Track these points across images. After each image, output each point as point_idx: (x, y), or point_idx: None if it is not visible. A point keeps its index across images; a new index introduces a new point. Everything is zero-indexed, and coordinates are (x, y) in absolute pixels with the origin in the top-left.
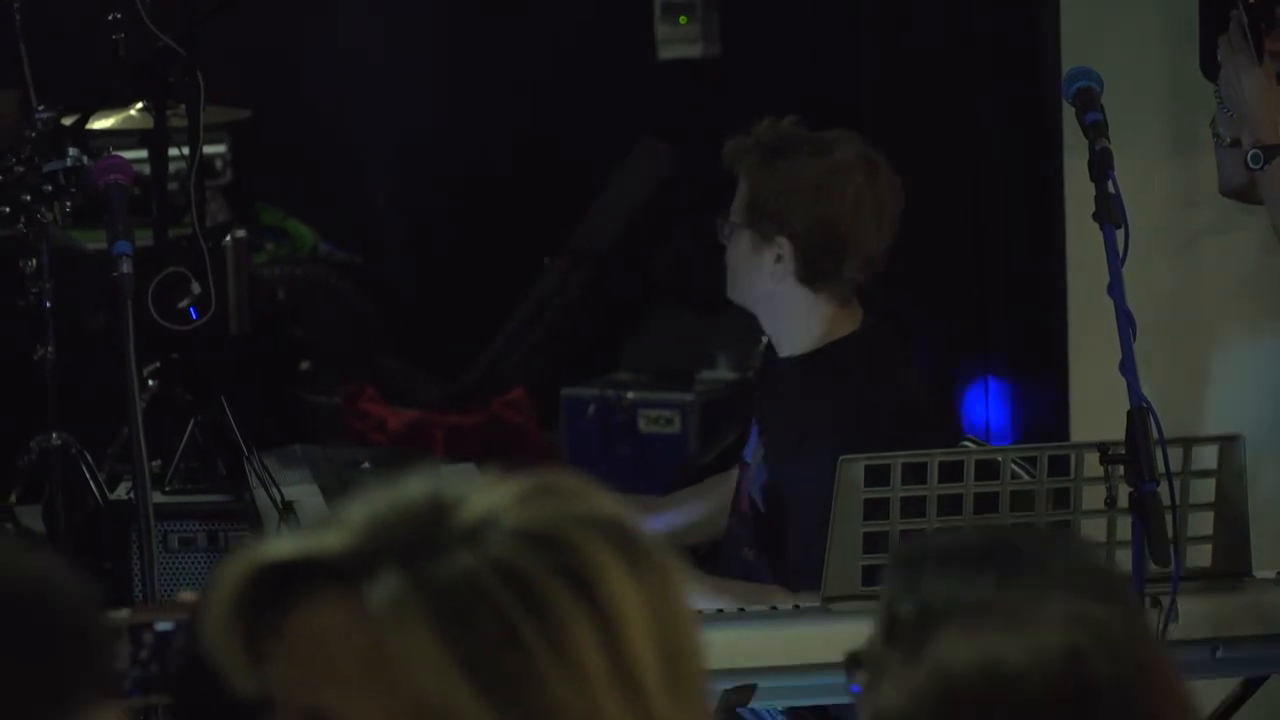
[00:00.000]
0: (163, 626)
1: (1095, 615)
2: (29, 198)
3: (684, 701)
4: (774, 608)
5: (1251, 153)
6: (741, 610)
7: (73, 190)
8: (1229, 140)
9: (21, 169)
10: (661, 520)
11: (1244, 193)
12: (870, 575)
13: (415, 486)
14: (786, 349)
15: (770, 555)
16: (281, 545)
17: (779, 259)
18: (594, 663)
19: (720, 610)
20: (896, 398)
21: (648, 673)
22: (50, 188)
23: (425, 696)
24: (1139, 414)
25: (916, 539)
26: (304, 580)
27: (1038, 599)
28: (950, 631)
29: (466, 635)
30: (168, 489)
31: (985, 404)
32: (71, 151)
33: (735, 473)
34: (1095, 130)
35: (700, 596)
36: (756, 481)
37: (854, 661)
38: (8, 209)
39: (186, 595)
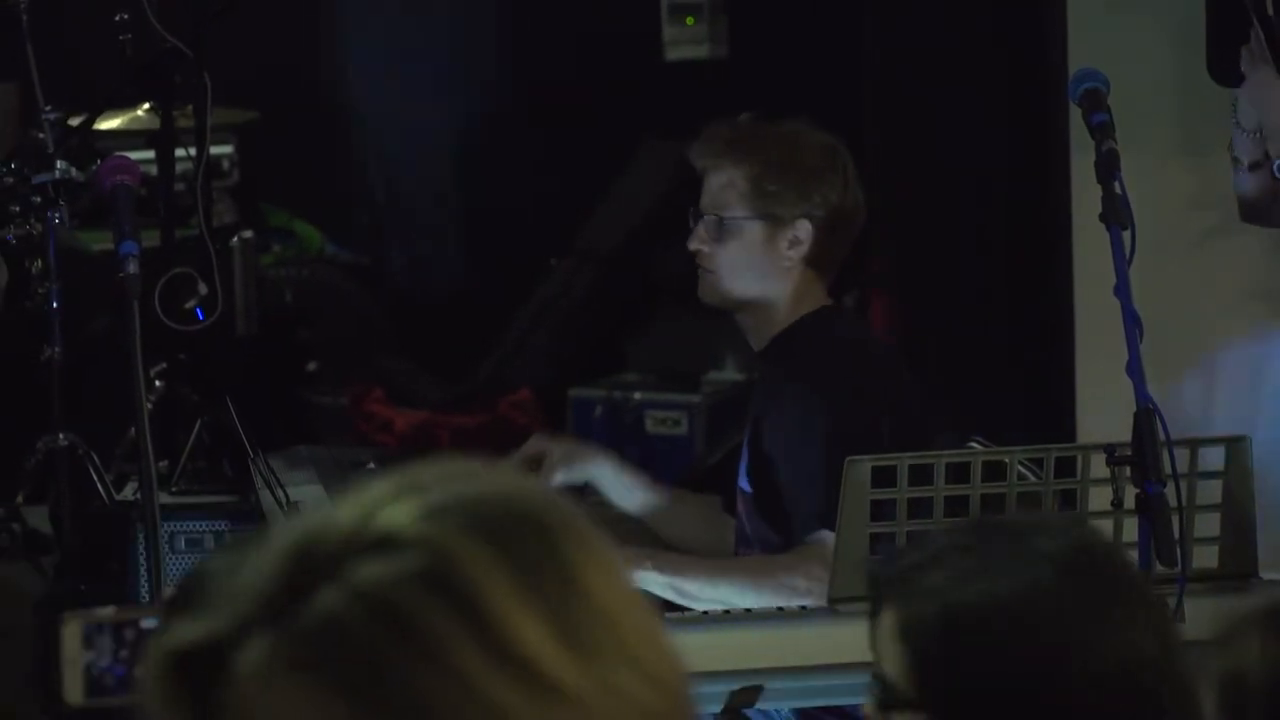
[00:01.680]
0: (148, 624)
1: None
2: (18, 209)
3: (602, 662)
4: (780, 608)
5: (1277, 163)
6: (748, 611)
7: (62, 202)
8: (1248, 163)
9: (10, 180)
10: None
11: (1268, 215)
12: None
13: (282, 533)
14: (765, 338)
15: (766, 530)
16: (182, 631)
17: (793, 244)
18: (473, 662)
19: (727, 611)
20: (871, 359)
21: (545, 659)
22: (39, 199)
23: None
24: (1145, 415)
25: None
26: (207, 662)
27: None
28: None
29: (335, 678)
30: (174, 490)
31: (992, 404)
32: (60, 164)
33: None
34: (1102, 131)
35: (706, 581)
36: (741, 471)
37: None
38: None
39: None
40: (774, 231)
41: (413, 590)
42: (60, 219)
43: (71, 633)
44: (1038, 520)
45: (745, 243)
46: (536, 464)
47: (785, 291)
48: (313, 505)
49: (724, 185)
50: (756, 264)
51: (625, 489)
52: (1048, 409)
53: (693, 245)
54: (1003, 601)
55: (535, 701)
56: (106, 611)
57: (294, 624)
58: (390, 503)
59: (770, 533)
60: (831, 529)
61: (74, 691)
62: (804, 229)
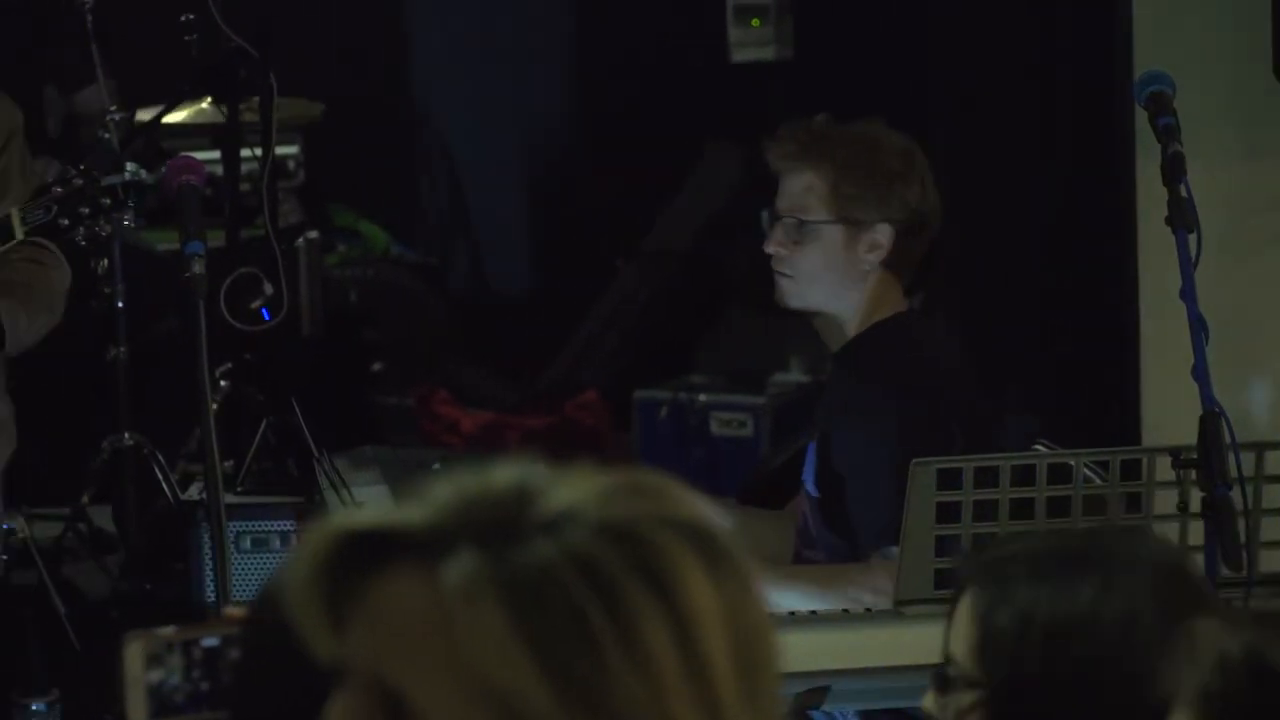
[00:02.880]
0: (209, 642)
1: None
2: (87, 210)
3: (755, 704)
4: (846, 610)
5: None
6: (814, 613)
7: (131, 205)
8: None
9: (80, 182)
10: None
11: None
12: (943, 578)
13: (503, 473)
14: (841, 339)
15: (832, 536)
16: (366, 515)
17: (872, 248)
18: (665, 659)
19: (793, 613)
20: (944, 369)
21: (719, 672)
22: (108, 201)
23: (490, 677)
24: (1211, 418)
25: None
26: (384, 551)
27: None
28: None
29: (537, 621)
30: (239, 490)
31: (1057, 407)
32: (129, 166)
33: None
34: (1168, 134)
35: (774, 586)
36: (809, 475)
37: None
38: (65, 222)
39: (234, 609)
40: (854, 235)
41: (618, 564)
42: (128, 220)
43: (134, 653)
44: (1135, 539)
45: (825, 247)
46: None
47: (862, 296)
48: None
49: (803, 188)
50: (836, 268)
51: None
52: (1113, 412)
53: (770, 248)
54: (1084, 615)
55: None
56: (167, 631)
57: (511, 557)
58: (615, 495)
59: (836, 539)
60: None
61: (138, 712)
62: (884, 233)
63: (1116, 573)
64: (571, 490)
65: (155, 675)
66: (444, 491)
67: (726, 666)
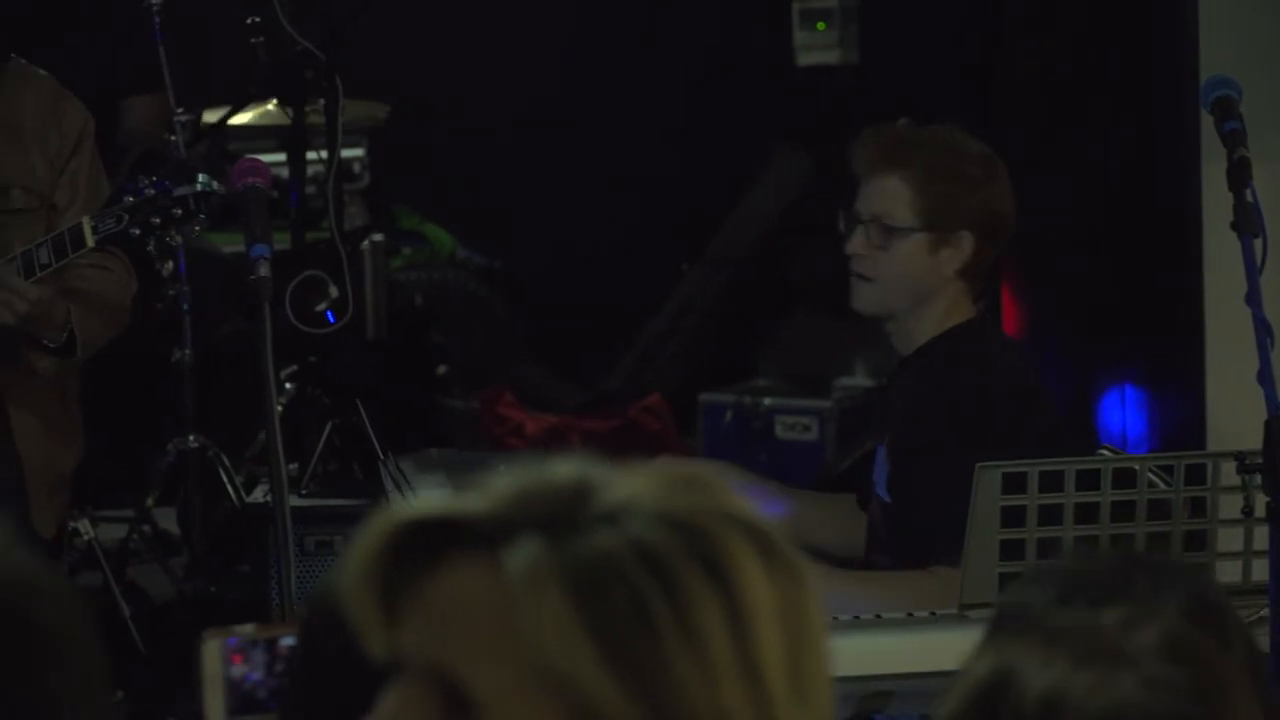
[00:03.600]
0: (288, 641)
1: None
2: (158, 220)
3: (806, 702)
4: (910, 614)
5: None
6: (878, 617)
7: (202, 215)
8: None
9: (152, 191)
10: (787, 508)
11: None
12: (1008, 583)
13: (562, 467)
14: (912, 345)
15: (904, 542)
16: (426, 504)
17: (953, 255)
18: (721, 648)
19: (857, 616)
20: (1013, 379)
21: (772, 667)
22: (179, 211)
23: (552, 664)
24: (1276, 423)
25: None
26: (445, 541)
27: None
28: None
29: (598, 609)
30: (304, 492)
31: (1122, 412)
32: (201, 177)
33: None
34: (1233, 139)
35: (838, 591)
36: (880, 481)
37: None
38: (137, 231)
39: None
40: (937, 242)
41: (679, 555)
42: (198, 229)
43: (211, 650)
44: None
45: (908, 252)
46: None
47: (938, 302)
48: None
49: (888, 192)
50: (917, 275)
51: (758, 495)
52: (1178, 416)
53: (852, 249)
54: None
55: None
56: (247, 629)
57: (572, 545)
58: (674, 488)
59: (906, 543)
60: None
61: (215, 708)
62: (966, 240)
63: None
64: (629, 484)
65: (236, 671)
66: (504, 483)
67: (778, 660)
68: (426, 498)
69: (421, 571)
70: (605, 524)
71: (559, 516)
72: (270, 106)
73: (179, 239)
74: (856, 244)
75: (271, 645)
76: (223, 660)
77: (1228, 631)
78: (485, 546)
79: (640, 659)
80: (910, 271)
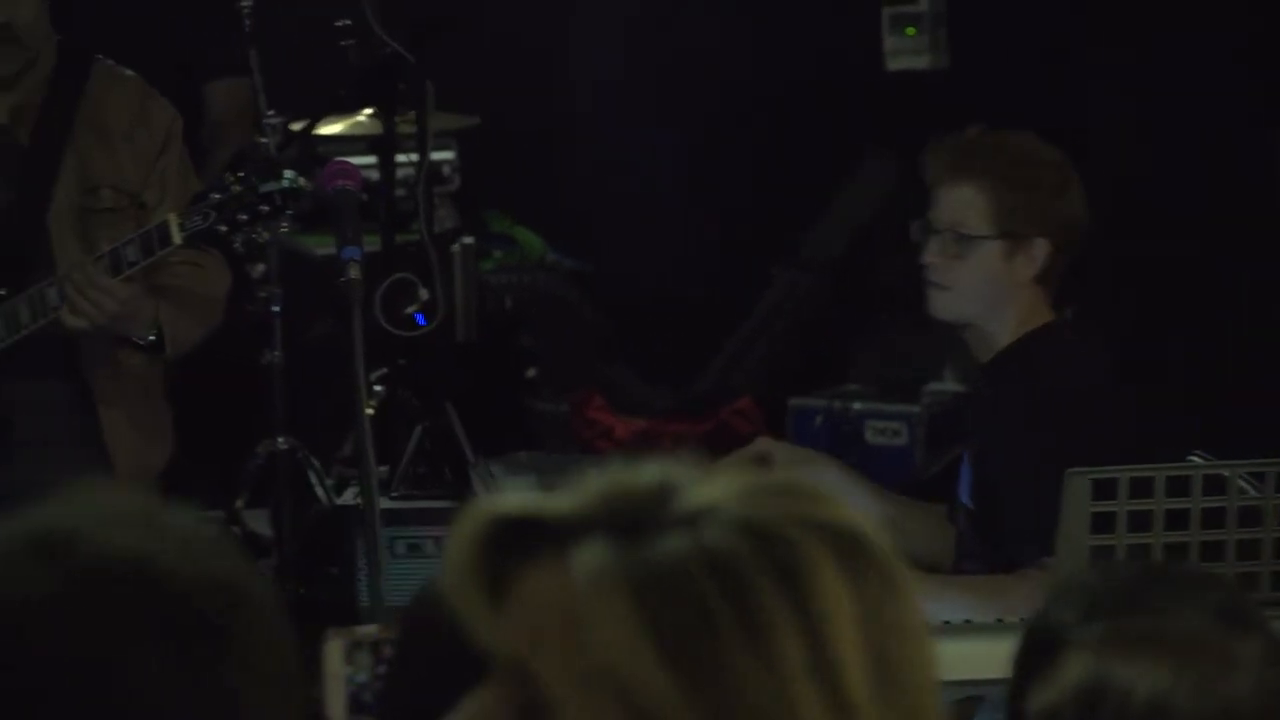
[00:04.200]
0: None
1: None
2: (245, 217)
3: (895, 706)
4: (1000, 620)
5: None
6: (968, 622)
7: (288, 212)
8: None
9: (239, 188)
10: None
11: None
12: None
13: (650, 468)
14: (990, 351)
15: (989, 548)
16: (513, 500)
17: (1028, 262)
18: (790, 655)
19: (947, 622)
20: (1094, 379)
21: (851, 673)
22: (266, 208)
23: (615, 666)
24: None
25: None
26: (532, 539)
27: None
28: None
29: (663, 614)
30: (394, 494)
31: (1214, 418)
32: (287, 174)
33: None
34: None
35: (929, 596)
36: (965, 489)
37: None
38: (223, 228)
39: None
40: (1012, 250)
41: (752, 563)
42: (285, 227)
43: (334, 650)
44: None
45: (983, 261)
46: (761, 465)
47: (1015, 308)
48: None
49: (961, 201)
50: (993, 282)
51: (852, 497)
52: (1270, 423)
53: (927, 259)
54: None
55: (828, 709)
56: (369, 630)
57: (643, 550)
58: (758, 494)
59: (993, 550)
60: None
61: (337, 707)
62: (1041, 247)
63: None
64: (714, 487)
65: (350, 672)
66: (590, 483)
67: (859, 668)
68: (518, 493)
69: (516, 566)
70: (680, 529)
71: (636, 518)
72: (362, 117)
73: (266, 236)
74: (932, 253)
75: (376, 648)
76: (344, 659)
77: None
78: (561, 547)
79: (704, 666)
80: (985, 279)
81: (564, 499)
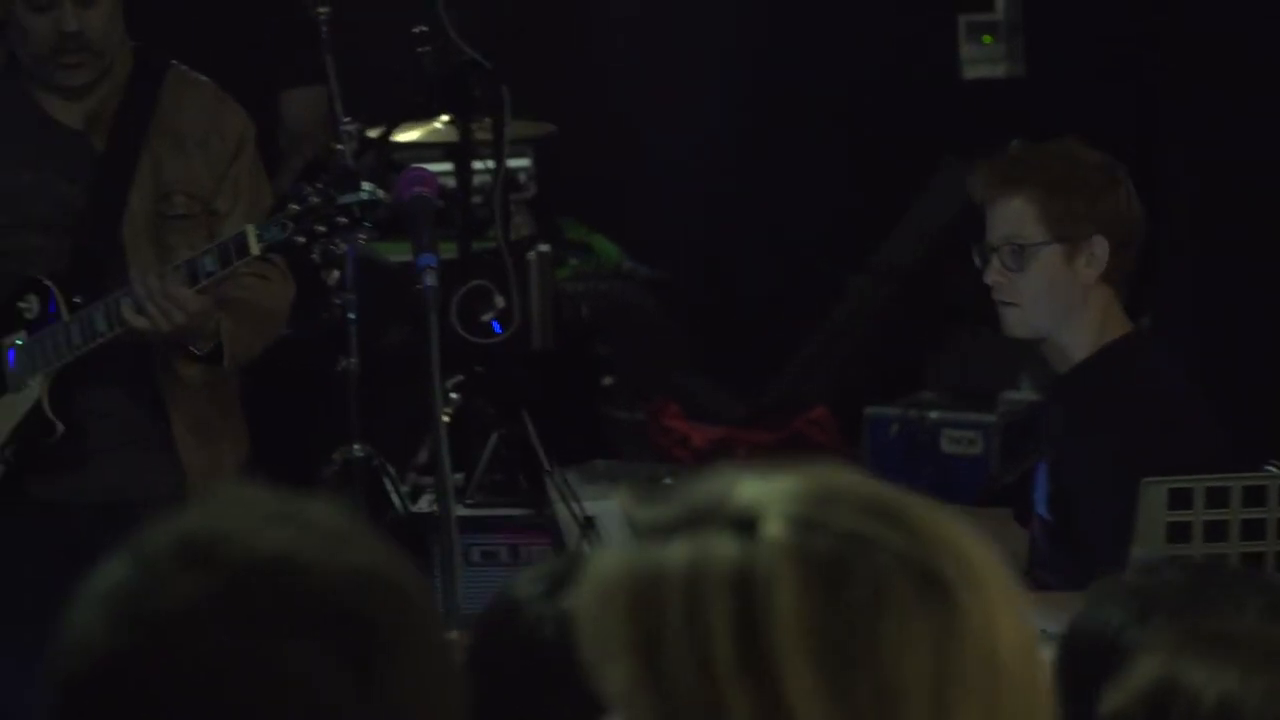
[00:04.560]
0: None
1: None
2: (324, 229)
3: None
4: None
5: None
6: (1044, 632)
7: (367, 224)
8: None
9: (317, 199)
10: None
11: None
12: None
13: (732, 476)
14: (1069, 362)
15: (1066, 560)
16: (649, 511)
17: (1089, 262)
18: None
19: None
20: (1172, 389)
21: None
22: (345, 220)
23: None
24: None
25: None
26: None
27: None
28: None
29: (637, 623)
30: (469, 502)
31: None
32: (366, 186)
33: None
34: None
35: None
36: (1041, 499)
37: None
38: (302, 239)
39: None
40: (1071, 251)
41: (719, 585)
42: (363, 238)
43: None
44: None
45: (1045, 267)
46: None
47: (1088, 316)
48: (611, 521)
49: (1013, 214)
50: (1058, 288)
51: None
52: None
53: (990, 279)
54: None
55: None
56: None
57: (638, 559)
58: (764, 483)
59: (1070, 563)
60: None
61: None
62: (1100, 245)
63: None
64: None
65: None
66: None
67: (923, 696)
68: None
69: None
70: (689, 537)
71: (672, 526)
72: (438, 125)
73: (344, 247)
74: (994, 272)
75: None
76: None
77: None
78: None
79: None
80: (1050, 286)
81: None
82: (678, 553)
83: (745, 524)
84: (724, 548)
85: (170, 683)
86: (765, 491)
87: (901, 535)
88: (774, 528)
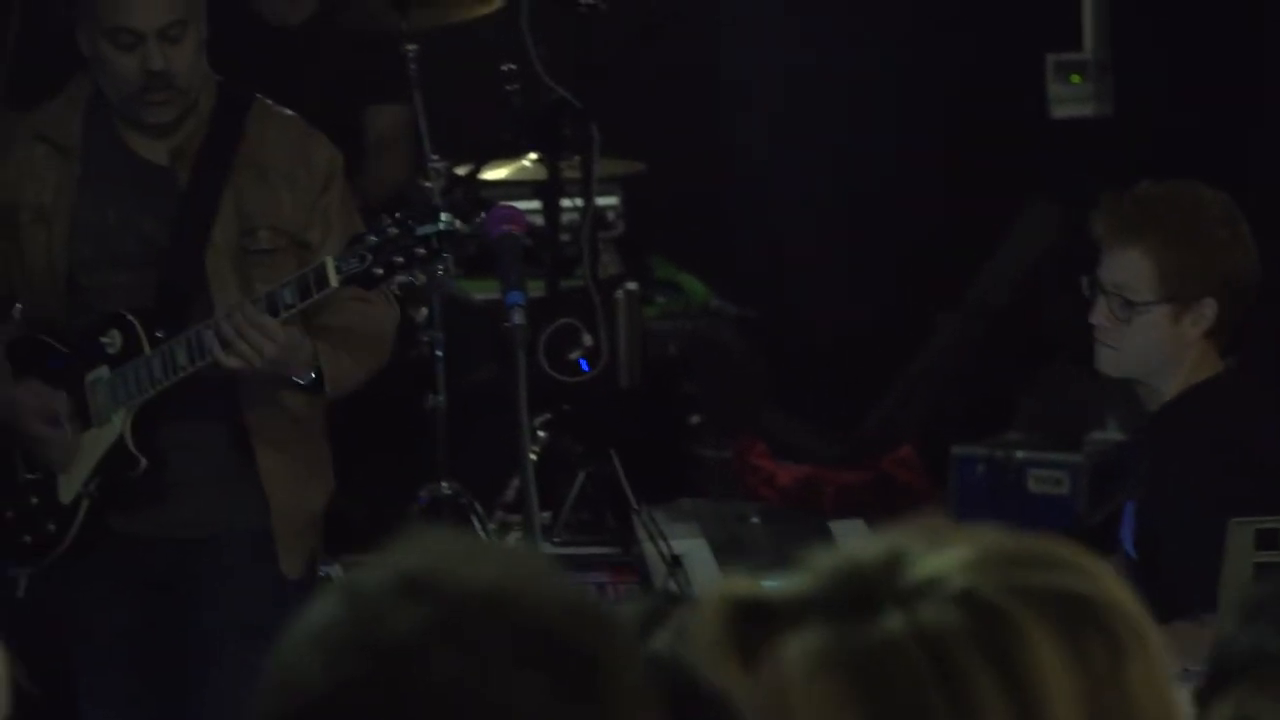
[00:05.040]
0: None
1: None
2: (401, 260)
3: None
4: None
5: None
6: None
7: (445, 255)
8: None
9: (395, 231)
10: None
11: None
12: None
13: (881, 541)
14: (1160, 401)
15: (1152, 600)
16: (747, 583)
17: (1196, 321)
18: None
19: None
20: (1262, 429)
21: None
22: (423, 251)
23: None
24: None
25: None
26: (765, 621)
27: None
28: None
29: (876, 697)
30: (556, 540)
31: None
32: (444, 216)
33: None
34: None
35: None
36: (1128, 538)
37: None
38: (380, 271)
39: None
40: (1180, 311)
41: (966, 643)
42: (445, 270)
43: None
44: None
45: (1152, 325)
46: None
47: (1183, 363)
48: (698, 560)
49: (1128, 266)
50: (1161, 344)
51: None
52: None
53: (1095, 319)
54: None
55: None
56: None
57: (858, 632)
58: (986, 565)
59: (1154, 602)
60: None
61: None
62: (1210, 306)
63: None
64: (943, 557)
65: None
66: (824, 559)
67: None
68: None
69: (753, 650)
70: (900, 607)
71: (857, 598)
72: (526, 163)
73: (422, 279)
74: (1100, 314)
75: None
76: None
77: None
78: (782, 630)
79: None
80: (1153, 342)
81: (795, 579)
82: (897, 623)
83: (946, 590)
84: (945, 612)
85: (399, 711)
86: (943, 555)
87: (1088, 583)
88: (988, 588)
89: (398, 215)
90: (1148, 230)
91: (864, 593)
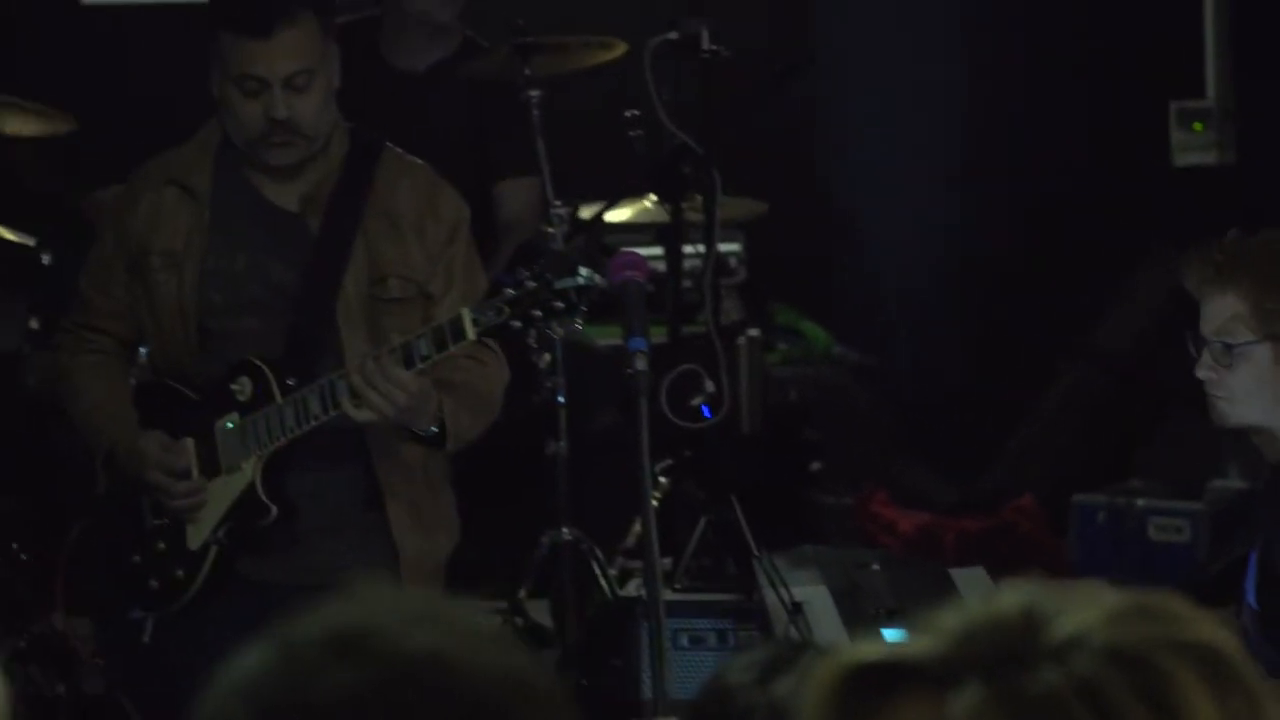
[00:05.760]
0: None
1: None
2: (539, 313)
3: None
4: None
5: None
6: None
7: (583, 309)
8: None
9: (533, 284)
10: None
11: None
12: None
13: (1010, 597)
14: (1277, 449)
15: (1275, 650)
16: (874, 647)
17: None
18: None
19: None
20: None
21: None
22: (560, 304)
23: None
24: None
25: None
26: (892, 683)
27: None
28: None
29: None
30: (677, 587)
31: None
32: (583, 271)
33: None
34: None
35: None
36: (1251, 588)
37: None
38: (517, 324)
39: None
40: None
41: (1124, 693)
42: (578, 323)
43: None
44: None
45: (1255, 365)
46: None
47: None
48: (819, 606)
49: (1225, 311)
50: (1268, 384)
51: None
52: None
53: (1201, 373)
54: None
55: None
56: None
57: (1017, 687)
58: (1125, 619)
59: (1278, 653)
60: None
61: None
62: None
63: None
64: (1079, 615)
65: None
66: (951, 620)
67: None
68: (873, 641)
69: (873, 713)
70: (1051, 661)
71: (1005, 655)
72: (648, 204)
73: (560, 332)
74: (1204, 366)
75: None
76: None
77: None
78: (933, 689)
79: None
80: (1260, 383)
81: (926, 640)
82: (1054, 677)
83: (1092, 644)
84: (1098, 664)
85: None
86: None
87: (1216, 635)
88: (1132, 641)
89: (535, 268)
90: (1240, 274)
91: (1011, 650)
